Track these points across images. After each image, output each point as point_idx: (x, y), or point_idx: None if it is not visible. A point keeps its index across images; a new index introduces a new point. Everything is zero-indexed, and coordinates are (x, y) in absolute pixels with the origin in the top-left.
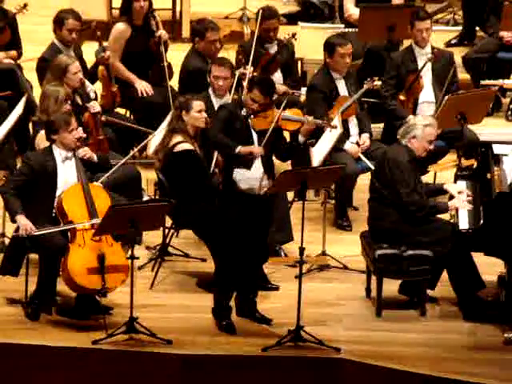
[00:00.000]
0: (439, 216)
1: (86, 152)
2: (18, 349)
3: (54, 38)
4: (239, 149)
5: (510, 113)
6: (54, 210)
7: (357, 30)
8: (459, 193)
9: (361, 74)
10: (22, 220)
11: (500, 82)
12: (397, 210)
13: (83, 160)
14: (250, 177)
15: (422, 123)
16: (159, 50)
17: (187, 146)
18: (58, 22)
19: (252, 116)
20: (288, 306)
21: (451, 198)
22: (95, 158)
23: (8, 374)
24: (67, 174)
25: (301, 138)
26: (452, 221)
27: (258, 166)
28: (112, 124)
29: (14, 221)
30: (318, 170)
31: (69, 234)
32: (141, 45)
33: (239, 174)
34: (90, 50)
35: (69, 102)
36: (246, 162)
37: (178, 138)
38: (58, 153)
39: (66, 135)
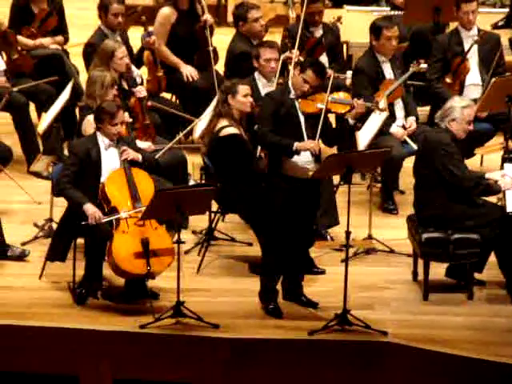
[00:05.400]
0: (487, 199)
1: (127, 154)
2: (66, 333)
3: (101, 24)
4: (296, 145)
5: None
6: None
7: (403, 12)
8: (502, 176)
9: (407, 57)
10: (91, 209)
11: None
12: (446, 192)
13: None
14: (298, 161)
15: (460, 105)
16: (204, 34)
17: (233, 130)
18: (103, 8)
19: (299, 99)
20: (334, 290)
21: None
22: (140, 158)
23: (55, 358)
24: (110, 161)
25: (351, 121)
26: (500, 204)
27: (306, 152)
28: (158, 109)
29: (81, 213)
30: (363, 154)
31: (113, 220)
32: (186, 29)
33: (286, 158)
34: (135, 35)
35: (115, 87)
36: None
37: (223, 123)
38: (102, 140)
39: (109, 127)
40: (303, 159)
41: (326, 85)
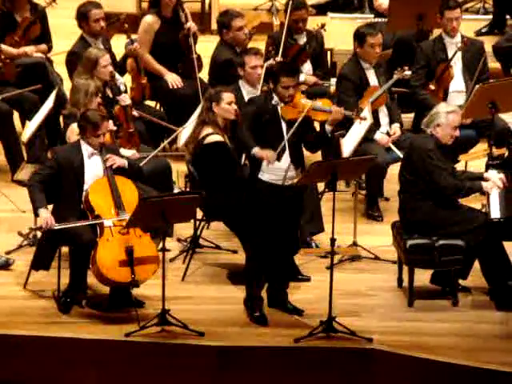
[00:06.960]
0: (472, 206)
1: (113, 161)
2: (51, 342)
3: (83, 32)
4: (254, 150)
5: None
6: (81, 205)
7: (386, 19)
8: (499, 179)
9: (390, 64)
10: (43, 213)
11: None
12: (431, 198)
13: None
14: (276, 168)
15: (446, 110)
16: (188, 42)
17: (217, 137)
18: (82, 16)
19: (282, 104)
20: (319, 297)
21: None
22: (126, 163)
23: (41, 367)
24: (94, 169)
25: (328, 128)
26: (484, 210)
27: (285, 157)
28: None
29: (36, 214)
30: (348, 161)
31: (98, 228)
32: (170, 37)
33: (265, 165)
34: (118, 43)
35: (99, 95)
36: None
37: (208, 130)
38: (85, 148)
39: (92, 138)
40: (283, 166)
41: (311, 92)
